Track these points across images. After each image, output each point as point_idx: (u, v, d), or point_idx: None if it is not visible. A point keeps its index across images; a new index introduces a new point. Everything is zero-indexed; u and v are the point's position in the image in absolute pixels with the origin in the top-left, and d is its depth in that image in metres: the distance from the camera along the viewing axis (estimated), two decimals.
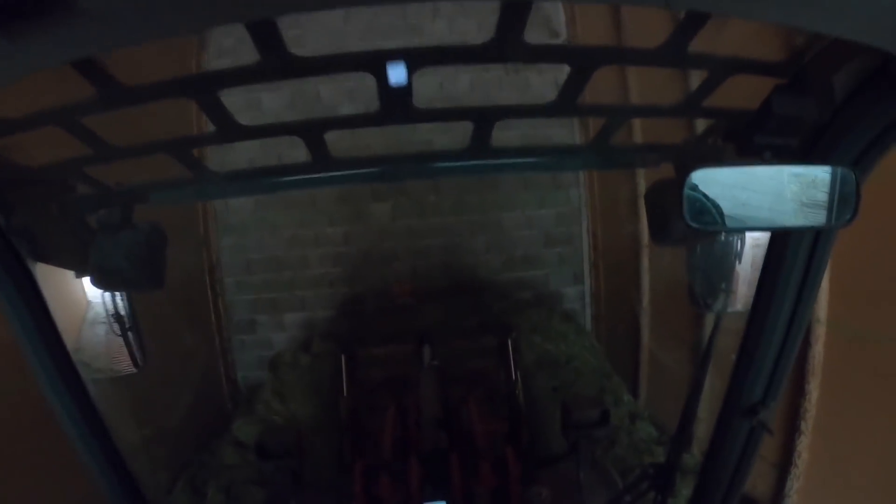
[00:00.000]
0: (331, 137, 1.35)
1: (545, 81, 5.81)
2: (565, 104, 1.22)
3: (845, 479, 3.04)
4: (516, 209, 6.20)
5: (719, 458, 1.67)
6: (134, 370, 1.86)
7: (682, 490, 2.16)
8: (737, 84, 1.26)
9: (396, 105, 1.20)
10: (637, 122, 4.18)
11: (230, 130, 1.31)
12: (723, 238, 1.61)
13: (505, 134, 1.36)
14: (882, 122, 1.21)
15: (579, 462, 2.63)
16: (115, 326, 1.80)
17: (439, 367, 4.32)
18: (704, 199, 1.21)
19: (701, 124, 1.42)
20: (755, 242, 1.60)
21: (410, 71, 1.09)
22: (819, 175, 1.24)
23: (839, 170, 1.22)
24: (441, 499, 2.65)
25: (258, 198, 6.20)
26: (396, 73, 1.12)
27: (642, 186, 5.26)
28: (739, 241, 1.60)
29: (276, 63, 1.05)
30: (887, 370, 2.74)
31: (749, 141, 1.25)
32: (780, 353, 1.51)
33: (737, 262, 1.61)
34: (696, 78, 1.26)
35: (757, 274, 1.57)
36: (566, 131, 5.99)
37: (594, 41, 5.42)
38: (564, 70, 1.16)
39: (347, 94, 5.71)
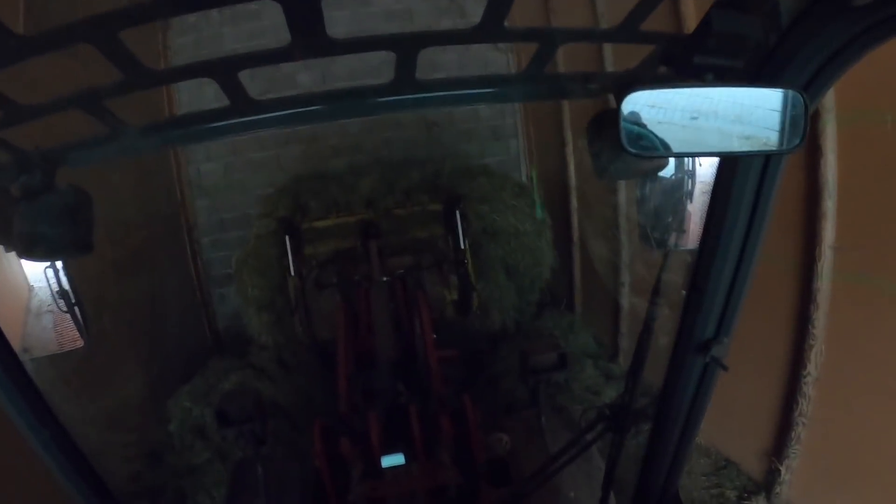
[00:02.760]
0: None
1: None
2: (492, 28, 0.96)
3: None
4: (460, 159, 5.84)
5: (674, 397, 1.46)
6: (80, 345, 1.56)
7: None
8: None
9: (309, 36, 0.93)
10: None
11: (139, 76, 1.04)
12: (671, 175, 1.38)
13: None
14: (832, 45, 0.98)
15: (540, 407, 2.43)
16: (61, 303, 1.48)
17: (389, 284, 3.68)
18: (642, 124, 0.97)
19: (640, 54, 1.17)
20: (705, 188, 1.37)
21: None
22: (767, 97, 1.00)
23: (789, 92, 0.99)
24: (400, 451, 2.38)
25: (228, 162, 5.94)
26: None
27: (570, 135, 5.12)
28: (689, 179, 1.37)
29: None
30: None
31: (688, 62, 1.00)
32: (731, 286, 1.30)
33: (687, 200, 1.39)
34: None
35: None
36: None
37: None
38: None
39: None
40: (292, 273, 4.43)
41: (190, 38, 5.54)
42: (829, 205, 2.81)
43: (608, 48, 4.04)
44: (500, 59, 5.77)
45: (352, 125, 5.82)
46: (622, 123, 0.91)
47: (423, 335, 3.30)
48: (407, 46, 0.99)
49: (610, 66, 4.05)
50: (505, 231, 4.89)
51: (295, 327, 4.63)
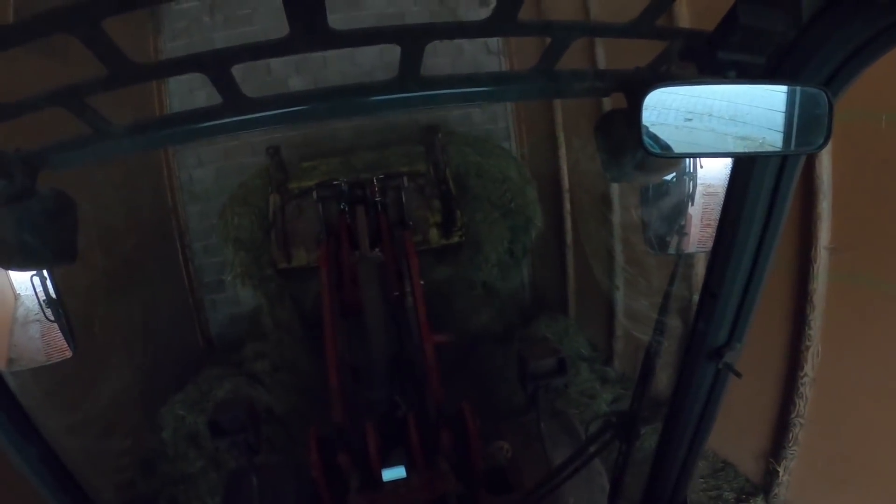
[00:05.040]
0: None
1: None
2: (505, 21, 0.89)
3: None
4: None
5: (685, 404, 1.40)
6: (68, 356, 1.45)
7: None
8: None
9: (309, 26, 0.86)
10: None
11: (124, 71, 0.95)
12: (672, 178, 1.32)
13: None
14: (852, 42, 0.93)
15: (539, 413, 2.38)
16: (48, 312, 1.37)
17: (381, 262, 3.45)
18: (661, 123, 0.91)
19: (652, 53, 1.11)
20: (706, 190, 1.32)
21: None
22: (788, 95, 0.95)
23: (810, 90, 0.94)
24: (400, 463, 2.31)
25: (219, 167, 5.80)
26: None
27: (562, 137, 5.07)
28: (691, 182, 1.31)
29: None
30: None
31: (712, 57, 0.94)
32: (745, 291, 1.23)
33: (689, 203, 1.33)
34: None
35: (708, 218, 1.31)
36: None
37: None
38: None
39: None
40: (273, 191, 4.55)
41: (181, 42, 5.43)
42: (825, 206, 2.78)
43: (602, 50, 3.98)
44: (492, 62, 5.70)
45: (345, 132, 5.71)
46: (643, 122, 0.85)
47: (417, 310, 3.12)
48: (413, 39, 0.91)
49: (603, 66, 4.00)
50: (490, 174, 4.93)
51: (271, 248, 4.65)
